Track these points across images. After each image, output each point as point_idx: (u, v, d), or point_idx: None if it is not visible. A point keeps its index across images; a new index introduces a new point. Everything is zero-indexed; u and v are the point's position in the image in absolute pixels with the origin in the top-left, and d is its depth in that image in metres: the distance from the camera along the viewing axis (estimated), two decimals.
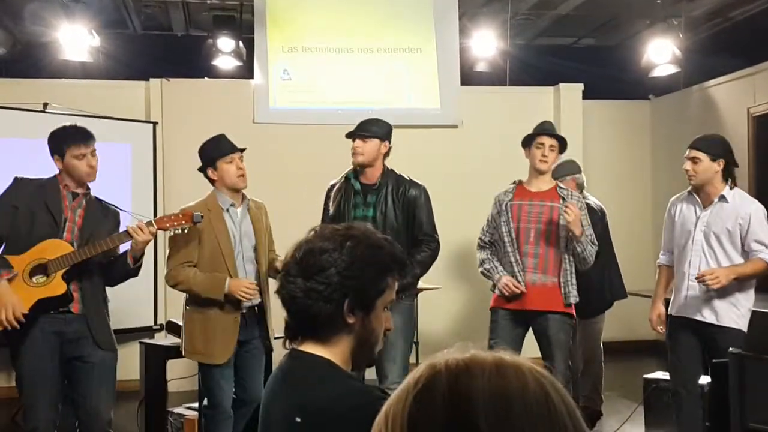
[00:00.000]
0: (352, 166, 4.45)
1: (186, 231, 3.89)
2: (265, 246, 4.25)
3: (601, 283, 5.47)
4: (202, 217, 3.90)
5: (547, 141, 4.44)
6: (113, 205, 4.00)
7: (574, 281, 4.43)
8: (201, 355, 4.12)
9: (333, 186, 4.50)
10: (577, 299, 4.43)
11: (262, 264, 4.21)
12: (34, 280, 3.65)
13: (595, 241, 4.49)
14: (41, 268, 3.64)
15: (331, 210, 4.40)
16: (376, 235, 1.84)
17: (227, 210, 4.16)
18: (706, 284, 3.92)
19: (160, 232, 3.92)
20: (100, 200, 3.94)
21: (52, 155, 3.82)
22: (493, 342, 4.32)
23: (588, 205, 5.52)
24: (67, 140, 3.79)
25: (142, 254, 3.84)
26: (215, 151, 4.15)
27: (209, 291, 4.02)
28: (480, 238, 4.65)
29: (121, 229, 3.92)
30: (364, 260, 1.76)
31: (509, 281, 4.36)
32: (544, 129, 4.51)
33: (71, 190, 3.82)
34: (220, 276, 4.03)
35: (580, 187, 5.60)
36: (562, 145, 4.51)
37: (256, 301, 4.17)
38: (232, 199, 4.18)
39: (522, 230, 4.42)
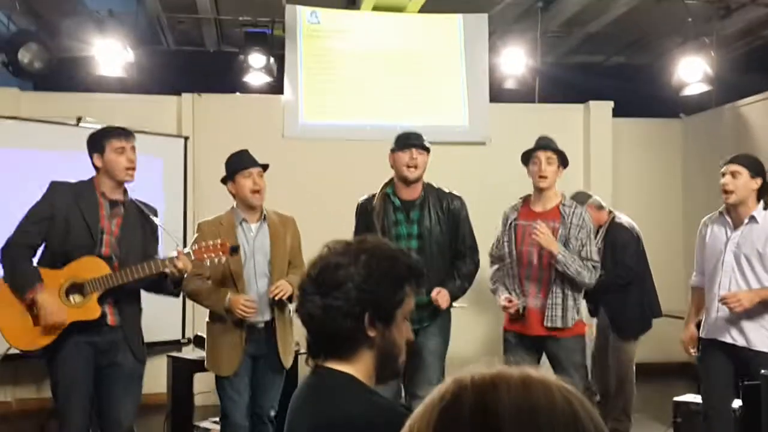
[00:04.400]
0: (388, 181, 4.33)
1: (223, 261, 3.86)
2: (281, 261, 4.20)
3: (640, 305, 5.42)
4: (238, 248, 3.94)
5: (542, 155, 4.28)
6: (152, 210, 3.97)
7: (570, 304, 4.22)
8: (211, 366, 4.23)
9: (364, 204, 4.34)
10: (564, 324, 4.22)
11: (277, 279, 4.13)
12: (70, 299, 3.65)
13: (596, 258, 4.31)
14: (77, 287, 3.64)
15: (377, 228, 4.20)
16: (389, 246, 1.83)
17: (240, 224, 4.16)
18: (729, 308, 3.86)
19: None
20: (140, 206, 3.90)
21: (92, 154, 3.79)
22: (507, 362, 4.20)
23: (619, 224, 5.49)
24: (108, 135, 3.80)
25: (182, 278, 3.84)
26: (234, 165, 4.17)
27: (211, 304, 4.14)
28: (490, 254, 4.52)
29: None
30: (381, 272, 1.74)
31: (506, 302, 4.25)
32: (538, 144, 4.36)
33: (108, 198, 3.79)
34: (222, 290, 4.07)
35: (599, 208, 5.54)
36: (562, 158, 4.34)
37: (266, 317, 4.16)
38: (245, 214, 4.17)
39: (525, 253, 4.29)
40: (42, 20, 7.03)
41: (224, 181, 4.22)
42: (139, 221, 3.88)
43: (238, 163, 4.16)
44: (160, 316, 6.63)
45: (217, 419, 4.90)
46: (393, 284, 1.76)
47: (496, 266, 4.48)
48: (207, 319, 4.27)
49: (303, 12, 7.33)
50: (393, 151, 4.29)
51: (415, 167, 4.21)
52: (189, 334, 6.74)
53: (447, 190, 4.41)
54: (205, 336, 4.44)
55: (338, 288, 1.72)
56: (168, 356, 5.50)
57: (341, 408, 1.73)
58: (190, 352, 5.82)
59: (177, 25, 7.88)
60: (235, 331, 4.11)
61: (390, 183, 4.34)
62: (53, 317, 3.57)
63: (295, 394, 1.88)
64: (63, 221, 3.70)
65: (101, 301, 3.67)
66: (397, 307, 1.77)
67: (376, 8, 7.38)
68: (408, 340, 1.83)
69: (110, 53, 6.82)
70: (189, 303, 6.64)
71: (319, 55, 7.43)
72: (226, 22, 7.78)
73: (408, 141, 4.24)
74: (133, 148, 3.82)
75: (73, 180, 3.89)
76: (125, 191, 3.87)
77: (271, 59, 7.29)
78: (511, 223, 4.39)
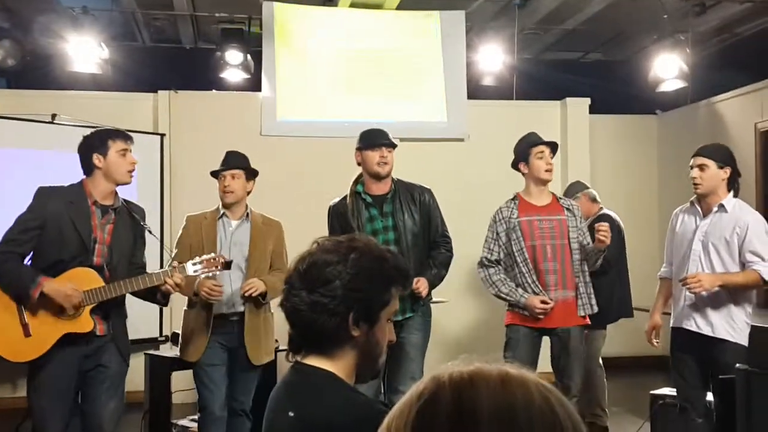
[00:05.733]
0: (356, 180, 4.37)
1: (216, 274, 3.99)
2: (258, 260, 4.32)
3: (609, 296, 5.43)
4: (231, 263, 4.04)
5: (547, 149, 4.40)
6: (140, 212, 3.93)
7: (591, 290, 4.41)
8: (181, 352, 4.39)
9: (336, 206, 4.36)
10: (592, 310, 4.40)
11: (252, 276, 4.26)
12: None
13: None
14: None
15: (354, 227, 4.22)
16: (378, 246, 1.83)
17: (220, 218, 4.36)
18: (689, 288, 3.87)
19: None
20: (130, 210, 3.85)
21: (91, 154, 3.70)
22: (509, 357, 4.23)
23: (605, 215, 5.57)
24: (113, 136, 3.76)
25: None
26: (220, 166, 4.39)
27: (183, 289, 4.16)
28: (485, 257, 4.45)
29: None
30: (369, 272, 1.75)
31: (541, 302, 4.24)
32: (538, 138, 4.45)
33: (100, 204, 3.71)
34: (193, 276, 4.13)
35: (593, 200, 5.65)
36: (555, 151, 4.50)
37: (239, 309, 4.28)
38: (226, 210, 4.37)
39: (538, 248, 4.32)
40: (15, 17, 6.95)
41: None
42: (130, 226, 3.84)
43: (221, 165, 4.39)
44: (138, 314, 6.57)
45: (195, 417, 4.89)
46: (380, 285, 1.76)
47: (493, 270, 4.41)
48: (185, 307, 4.40)
49: (280, 8, 7.30)
50: (360, 149, 4.32)
51: (386, 164, 4.28)
52: (166, 331, 6.69)
53: (415, 183, 4.46)
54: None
55: (325, 285, 1.72)
56: (145, 354, 5.46)
57: (322, 405, 1.74)
58: (167, 350, 5.79)
59: (153, 22, 7.81)
60: (200, 317, 4.25)
61: (358, 181, 4.37)
62: (72, 300, 3.51)
63: (275, 390, 1.87)
64: (55, 229, 3.61)
65: (92, 311, 3.62)
66: (382, 308, 1.78)
67: (353, 5, 7.37)
68: (390, 341, 1.83)
69: (85, 50, 6.75)
70: None
71: (296, 51, 7.41)
72: (202, 18, 7.73)
73: (378, 141, 4.30)
74: (131, 151, 3.82)
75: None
76: (116, 194, 3.81)
77: (248, 56, 7.26)
78: (516, 222, 4.37)
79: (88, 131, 3.90)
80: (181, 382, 5.51)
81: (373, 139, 4.30)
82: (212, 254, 3.90)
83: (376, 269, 1.76)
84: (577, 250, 4.36)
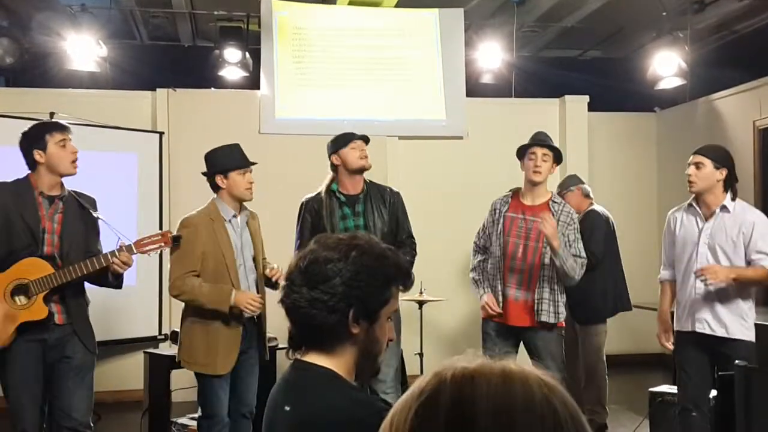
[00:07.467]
0: (331, 179, 4.46)
1: (164, 250, 3.91)
2: (260, 255, 4.28)
3: (603, 290, 5.40)
4: (180, 237, 3.96)
5: (539, 151, 4.39)
6: (90, 201, 3.92)
7: (558, 299, 4.33)
8: (202, 366, 4.08)
9: (310, 202, 4.45)
10: (556, 319, 4.32)
11: (260, 273, 4.23)
12: (15, 300, 3.62)
13: (583, 255, 4.38)
14: (22, 289, 3.62)
15: (326, 225, 4.32)
16: (380, 245, 1.83)
17: (229, 220, 4.14)
18: (704, 281, 3.86)
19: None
20: (78, 199, 3.86)
21: (32, 151, 3.74)
22: (486, 353, 4.25)
23: (593, 210, 5.54)
24: (48, 129, 3.79)
25: (123, 272, 3.82)
26: (230, 161, 4.13)
27: (214, 302, 3.99)
28: (475, 242, 4.63)
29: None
30: (370, 270, 1.75)
31: (489, 302, 4.38)
32: (536, 140, 4.47)
33: (47, 195, 3.76)
34: (225, 288, 4.00)
35: (586, 196, 5.63)
36: (557, 155, 4.45)
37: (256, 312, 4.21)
38: (234, 209, 4.16)
39: (511, 245, 4.38)
40: (14, 15, 6.93)
41: (211, 174, 4.16)
42: (80, 215, 3.85)
43: (234, 161, 4.13)
44: (137, 313, 6.60)
45: (194, 415, 4.88)
46: (380, 283, 1.76)
47: (479, 257, 4.56)
48: (192, 317, 4.10)
49: (279, 6, 7.30)
50: (337, 150, 4.43)
51: (367, 157, 4.42)
52: (166, 330, 6.69)
53: (384, 185, 4.59)
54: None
55: (326, 282, 1.72)
56: (145, 353, 5.46)
57: (323, 402, 1.74)
58: (167, 349, 5.78)
59: (151, 20, 7.81)
60: (232, 329, 4.06)
61: (333, 180, 4.47)
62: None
63: (275, 388, 1.87)
64: (3, 224, 3.66)
65: (47, 300, 3.66)
66: (382, 306, 1.78)
67: (352, 3, 7.37)
68: (389, 339, 1.83)
69: (83, 48, 6.74)
70: (165, 299, 6.60)
71: (295, 49, 7.40)
72: (200, 16, 7.73)
73: (354, 135, 4.44)
74: (71, 141, 3.82)
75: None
76: (62, 185, 3.84)
77: (247, 54, 7.25)
78: (501, 215, 4.46)
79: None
80: (180, 380, 5.50)
81: (348, 136, 4.44)
82: (159, 231, 3.88)
83: (376, 267, 1.76)
84: (549, 254, 4.29)
